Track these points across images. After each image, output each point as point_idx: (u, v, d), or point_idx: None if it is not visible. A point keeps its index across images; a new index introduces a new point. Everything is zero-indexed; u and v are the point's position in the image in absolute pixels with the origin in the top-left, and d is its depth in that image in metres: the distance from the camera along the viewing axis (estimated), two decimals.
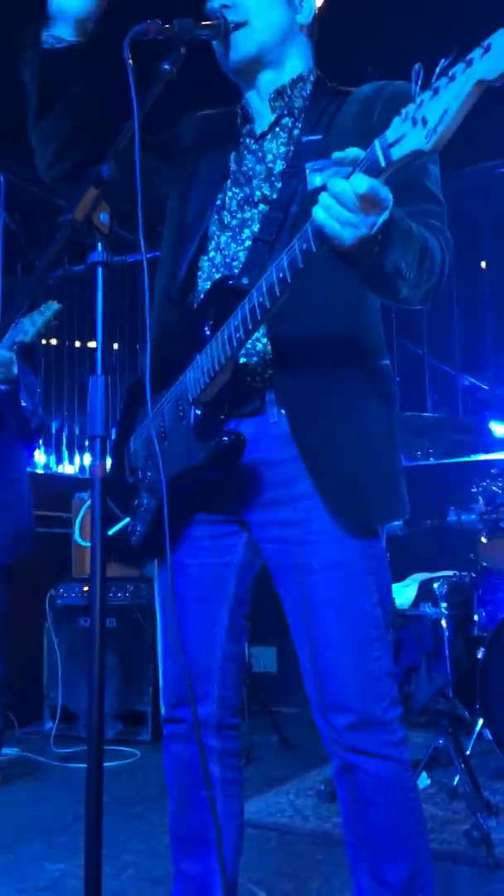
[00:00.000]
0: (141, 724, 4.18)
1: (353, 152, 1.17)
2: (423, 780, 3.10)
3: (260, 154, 1.62)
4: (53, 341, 6.16)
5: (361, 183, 1.13)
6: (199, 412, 1.49)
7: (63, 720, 4.25)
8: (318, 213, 1.19)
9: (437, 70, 1.06)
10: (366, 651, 1.48)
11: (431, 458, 3.84)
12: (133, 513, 1.64)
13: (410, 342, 5.98)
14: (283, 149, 1.60)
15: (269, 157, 1.60)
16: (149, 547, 1.60)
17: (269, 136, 1.62)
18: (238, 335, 1.40)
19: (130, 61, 1.37)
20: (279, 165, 1.59)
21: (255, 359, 1.52)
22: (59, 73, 1.53)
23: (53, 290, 5.58)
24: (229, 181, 1.64)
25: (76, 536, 4.64)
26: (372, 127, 1.43)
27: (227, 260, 1.58)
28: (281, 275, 1.29)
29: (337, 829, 2.68)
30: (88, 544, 1.65)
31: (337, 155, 1.20)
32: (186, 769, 1.62)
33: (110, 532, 1.64)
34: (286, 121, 1.61)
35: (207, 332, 1.49)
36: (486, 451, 4.48)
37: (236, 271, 1.55)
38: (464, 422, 4.62)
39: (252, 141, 1.64)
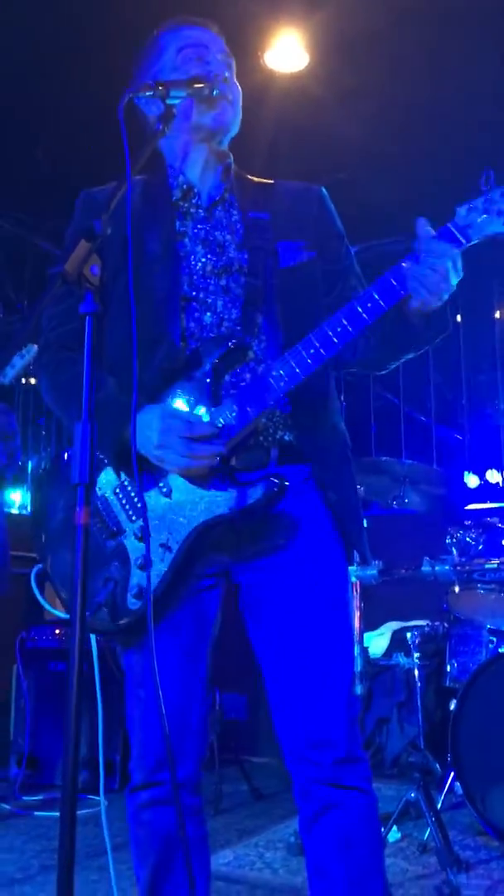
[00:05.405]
0: (109, 772, 4.10)
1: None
2: (394, 834, 3.07)
3: (224, 222, 1.71)
4: (32, 381, 6.17)
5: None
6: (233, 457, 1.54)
7: (28, 766, 4.17)
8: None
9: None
10: (350, 689, 1.58)
11: (406, 506, 3.87)
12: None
13: (387, 391, 6.06)
14: (236, 222, 1.72)
15: (230, 226, 1.71)
16: (157, 607, 1.51)
17: (219, 207, 1.72)
18: (312, 360, 1.52)
19: (123, 122, 1.43)
20: (237, 237, 1.70)
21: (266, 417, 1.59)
22: None
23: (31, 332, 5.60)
24: (199, 248, 1.68)
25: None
26: (311, 216, 1.74)
27: (217, 321, 1.64)
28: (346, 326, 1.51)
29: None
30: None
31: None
32: (165, 836, 1.59)
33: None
34: (229, 196, 1.74)
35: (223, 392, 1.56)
36: (461, 503, 4.53)
37: (226, 331, 1.64)
38: (438, 472, 4.67)
39: (200, 210, 1.72)
